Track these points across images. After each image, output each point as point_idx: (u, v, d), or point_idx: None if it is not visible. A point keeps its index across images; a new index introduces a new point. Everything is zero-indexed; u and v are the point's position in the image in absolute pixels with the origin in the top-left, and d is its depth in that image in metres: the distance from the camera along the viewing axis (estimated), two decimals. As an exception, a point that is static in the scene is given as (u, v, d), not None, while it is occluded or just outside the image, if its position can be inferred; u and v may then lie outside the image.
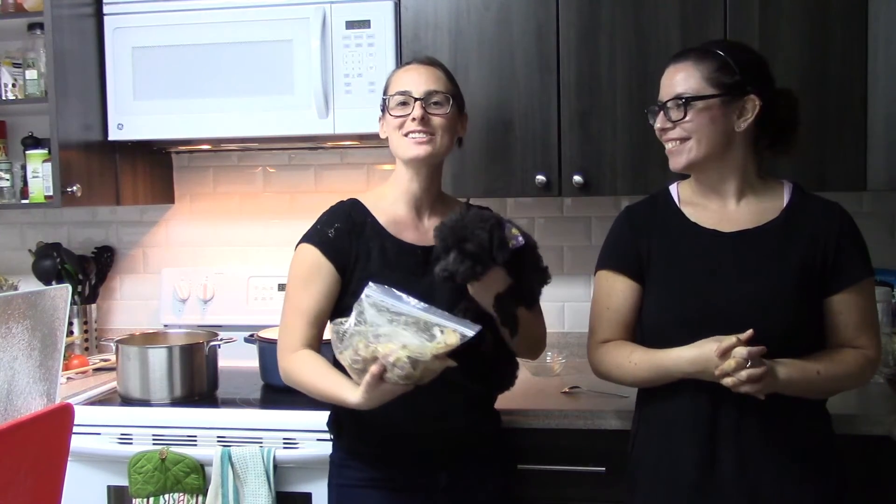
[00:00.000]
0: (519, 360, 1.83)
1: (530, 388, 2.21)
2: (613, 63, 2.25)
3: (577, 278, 2.66)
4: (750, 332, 1.56)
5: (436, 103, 1.77)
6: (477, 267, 1.61)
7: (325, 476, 1.88)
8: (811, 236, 1.68)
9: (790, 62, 2.16)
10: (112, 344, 2.50)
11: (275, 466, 2.05)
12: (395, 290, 1.58)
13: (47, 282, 2.79)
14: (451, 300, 1.69)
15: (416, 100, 1.75)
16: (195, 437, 2.12)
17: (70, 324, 2.72)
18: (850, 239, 1.69)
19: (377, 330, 1.51)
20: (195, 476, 2.08)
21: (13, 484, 1.13)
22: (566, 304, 2.68)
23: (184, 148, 2.80)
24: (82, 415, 2.13)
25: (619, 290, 1.78)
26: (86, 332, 2.85)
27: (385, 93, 1.83)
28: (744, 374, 1.53)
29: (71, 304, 2.67)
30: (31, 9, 2.53)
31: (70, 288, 1.30)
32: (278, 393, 2.25)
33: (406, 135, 1.76)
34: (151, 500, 2.09)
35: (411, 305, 1.56)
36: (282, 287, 2.59)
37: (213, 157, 2.88)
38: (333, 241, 1.76)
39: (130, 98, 2.48)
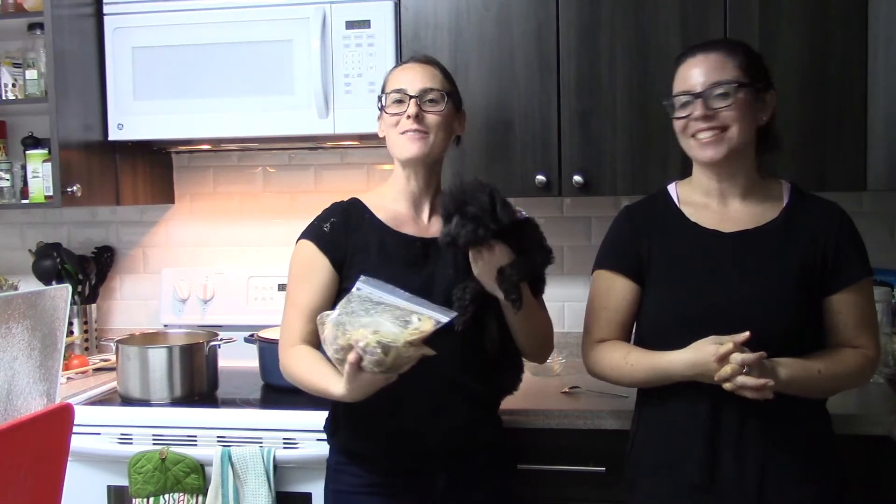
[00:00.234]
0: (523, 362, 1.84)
1: (530, 388, 2.21)
2: (613, 63, 2.25)
3: (577, 278, 2.65)
4: (747, 333, 1.55)
5: (431, 101, 1.77)
6: (479, 230, 1.61)
7: (324, 477, 1.88)
8: (811, 237, 1.68)
9: (790, 62, 2.16)
10: (112, 344, 2.50)
11: (275, 466, 2.05)
12: (386, 283, 1.59)
13: (47, 282, 2.79)
14: (453, 288, 1.70)
15: (411, 97, 1.76)
16: (195, 437, 2.12)
17: (70, 324, 2.72)
18: (849, 239, 1.70)
19: (360, 319, 1.51)
20: (195, 476, 2.08)
21: (13, 484, 1.13)
22: (566, 304, 2.68)
23: (184, 148, 2.80)
24: (82, 415, 2.13)
25: (617, 289, 1.78)
26: (86, 332, 2.85)
27: (382, 91, 1.84)
28: (740, 380, 1.54)
29: (71, 304, 2.67)
30: (31, 9, 2.53)
31: (70, 288, 1.30)
32: (278, 393, 2.25)
33: (402, 133, 1.76)
34: (151, 500, 2.09)
35: (396, 296, 1.56)
36: (282, 287, 2.59)
37: (213, 157, 2.88)
38: (329, 236, 1.77)
39: (130, 98, 2.48)
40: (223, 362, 2.43)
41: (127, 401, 2.30)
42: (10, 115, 2.81)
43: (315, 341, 1.74)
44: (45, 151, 2.56)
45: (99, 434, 2.16)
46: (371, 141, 2.57)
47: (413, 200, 1.83)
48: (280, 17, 2.37)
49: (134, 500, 2.11)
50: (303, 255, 1.78)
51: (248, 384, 2.44)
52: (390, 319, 1.51)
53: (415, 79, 1.78)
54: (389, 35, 2.33)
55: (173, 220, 2.92)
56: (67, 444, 1.26)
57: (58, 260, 2.80)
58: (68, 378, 2.54)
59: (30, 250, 2.88)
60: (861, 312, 1.68)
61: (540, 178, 2.28)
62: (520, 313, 1.67)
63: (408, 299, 1.56)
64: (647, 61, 2.23)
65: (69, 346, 2.76)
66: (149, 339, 2.50)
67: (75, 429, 1.28)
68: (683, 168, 2.10)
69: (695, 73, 1.68)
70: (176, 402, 2.26)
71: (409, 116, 1.75)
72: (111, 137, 2.51)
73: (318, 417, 1.91)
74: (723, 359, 1.55)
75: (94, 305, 2.88)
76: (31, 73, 2.58)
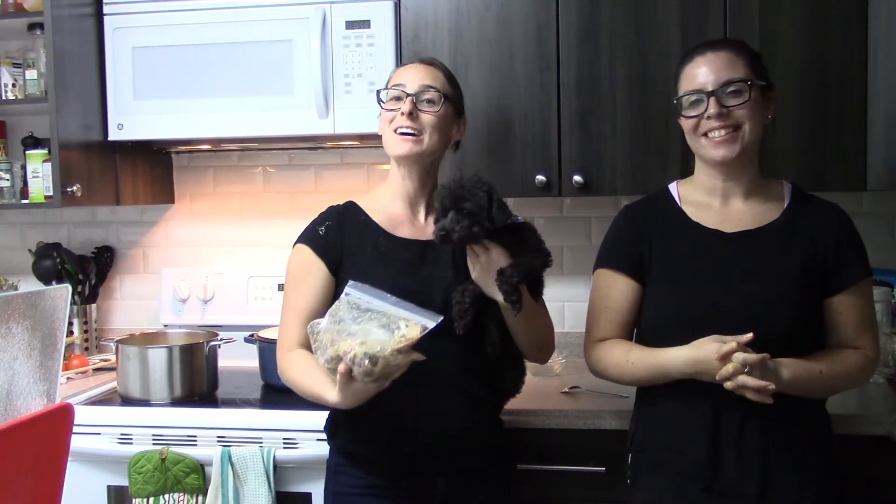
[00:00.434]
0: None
1: (530, 388, 2.20)
2: (613, 63, 2.25)
3: (577, 278, 2.65)
4: (750, 335, 1.55)
5: (428, 101, 1.77)
6: (474, 227, 1.61)
7: (324, 477, 1.88)
8: (811, 237, 1.69)
9: (790, 62, 2.16)
10: (112, 344, 2.50)
11: (275, 466, 2.05)
12: (374, 288, 1.59)
13: (47, 282, 2.79)
14: (451, 289, 1.70)
15: (408, 95, 1.76)
16: (195, 437, 2.12)
17: (70, 324, 2.72)
18: (849, 240, 1.70)
19: (349, 328, 1.51)
20: (195, 476, 2.08)
21: (13, 484, 1.13)
22: (566, 304, 2.68)
23: (184, 148, 2.80)
24: (82, 415, 2.13)
25: (619, 289, 1.78)
26: (86, 332, 2.85)
27: (385, 87, 1.84)
28: (741, 379, 1.54)
29: (71, 304, 2.67)
30: (31, 9, 2.53)
31: (70, 288, 1.30)
32: (278, 393, 2.25)
33: (396, 130, 1.76)
34: (151, 500, 2.09)
35: (385, 301, 1.56)
36: (282, 287, 2.58)
37: (213, 157, 2.88)
38: (324, 240, 1.77)
39: (130, 98, 2.48)
40: (223, 362, 2.43)
41: (127, 401, 2.30)
42: (10, 115, 2.81)
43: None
44: (45, 151, 2.56)
45: (99, 434, 2.16)
46: (371, 141, 2.56)
47: (409, 201, 1.83)
48: (280, 17, 2.37)
49: (134, 500, 2.11)
50: (299, 258, 1.79)
51: (248, 384, 2.44)
52: (378, 326, 1.51)
53: (415, 77, 1.78)
54: (389, 35, 2.33)
55: (173, 220, 2.92)
56: (67, 444, 1.26)
57: (58, 260, 2.80)
58: (68, 378, 2.54)
59: (30, 250, 2.88)
60: (861, 313, 1.69)
61: (540, 178, 2.28)
62: (519, 315, 1.67)
63: (396, 304, 1.56)
64: (647, 61, 2.23)
65: (69, 346, 2.76)
66: (149, 339, 2.50)
67: (75, 429, 1.28)
68: (683, 168, 2.11)
69: (705, 72, 1.67)
70: (176, 402, 2.26)
71: (403, 113, 1.75)
72: (111, 137, 2.51)
73: (318, 417, 1.91)
74: (725, 357, 1.55)
75: (94, 305, 2.88)
76: (31, 73, 2.58)
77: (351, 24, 2.34)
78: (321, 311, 1.74)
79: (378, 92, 1.83)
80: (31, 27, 2.58)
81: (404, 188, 1.82)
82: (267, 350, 2.34)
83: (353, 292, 1.59)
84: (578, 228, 2.68)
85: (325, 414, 1.86)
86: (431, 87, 1.77)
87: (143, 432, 2.14)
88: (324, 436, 1.86)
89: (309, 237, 1.79)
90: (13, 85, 2.60)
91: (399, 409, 1.65)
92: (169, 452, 2.09)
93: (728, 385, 1.56)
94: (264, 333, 2.40)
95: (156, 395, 2.27)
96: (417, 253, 1.77)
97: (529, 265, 1.67)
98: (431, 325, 1.52)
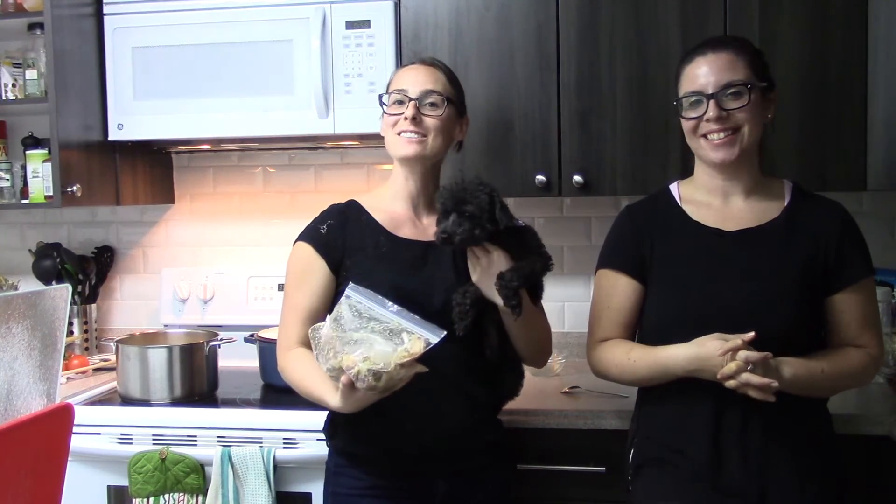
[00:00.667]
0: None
1: (530, 388, 2.20)
2: (613, 63, 2.25)
3: (577, 278, 2.66)
4: (752, 334, 1.56)
5: (431, 104, 1.77)
6: (476, 230, 1.62)
7: (324, 477, 1.88)
8: (812, 236, 1.69)
9: (790, 62, 2.16)
10: (112, 344, 2.49)
11: (275, 466, 2.05)
12: (374, 292, 1.60)
13: (47, 282, 2.79)
14: (451, 290, 1.70)
15: (410, 99, 1.76)
16: (195, 437, 2.12)
17: (70, 324, 2.72)
18: (850, 238, 1.70)
19: (351, 336, 1.52)
20: (195, 476, 2.08)
21: (13, 484, 1.13)
22: (566, 304, 2.68)
23: (184, 148, 2.80)
24: (82, 415, 2.13)
25: (620, 289, 1.78)
26: (86, 332, 2.85)
27: (386, 91, 1.84)
28: (744, 377, 1.54)
29: (71, 304, 2.67)
30: (31, 9, 2.53)
31: (70, 288, 1.30)
32: (278, 393, 2.25)
33: (399, 134, 1.76)
34: (151, 500, 2.09)
35: (386, 308, 1.56)
36: (282, 287, 2.58)
37: (213, 157, 2.88)
38: (325, 238, 1.77)
39: (130, 98, 2.48)
40: (223, 362, 2.42)
41: (127, 401, 2.30)
42: (10, 115, 2.81)
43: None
44: (45, 151, 2.56)
45: (99, 434, 2.16)
46: (371, 141, 2.56)
47: (411, 201, 1.83)
48: (280, 17, 2.37)
49: (134, 500, 2.11)
50: (300, 257, 1.78)
51: (248, 384, 2.44)
52: (381, 336, 1.52)
53: (417, 81, 1.78)
54: (389, 35, 2.33)
55: (173, 220, 2.92)
56: (67, 444, 1.26)
57: (58, 260, 2.80)
58: (68, 378, 2.54)
59: (30, 250, 2.88)
60: (863, 312, 1.69)
61: (540, 178, 2.28)
62: (519, 320, 1.67)
63: (398, 313, 1.56)
64: (647, 61, 2.23)
65: (69, 346, 2.76)
66: (149, 339, 2.50)
67: (75, 429, 1.28)
68: (683, 168, 2.11)
69: (705, 73, 1.67)
70: (176, 402, 2.26)
71: (406, 118, 1.75)
72: (111, 137, 2.51)
73: (318, 417, 1.91)
74: (728, 353, 1.55)
75: (94, 305, 2.88)
76: (31, 73, 2.58)
77: (351, 24, 2.34)
78: (322, 310, 1.74)
79: (381, 96, 1.83)
80: (31, 27, 2.58)
81: (406, 189, 1.82)
82: (267, 350, 2.34)
83: (354, 295, 1.58)
84: (578, 228, 2.68)
85: (324, 414, 1.86)
86: (434, 90, 1.77)
87: (143, 432, 2.14)
88: (324, 436, 1.85)
89: (310, 235, 1.79)
90: (13, 85, 2.60)
91: (399, 409, 1.65)
92: (169, 452, 2.09)
93: (730, 383, 1.56)
94: (264, 333, 2.40)
95: (156, 395, 2.27)
96: (419, 253, 1.76)
97: (530, 270, 1.67)
98: (435, 340, 1.52)
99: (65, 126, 2.42)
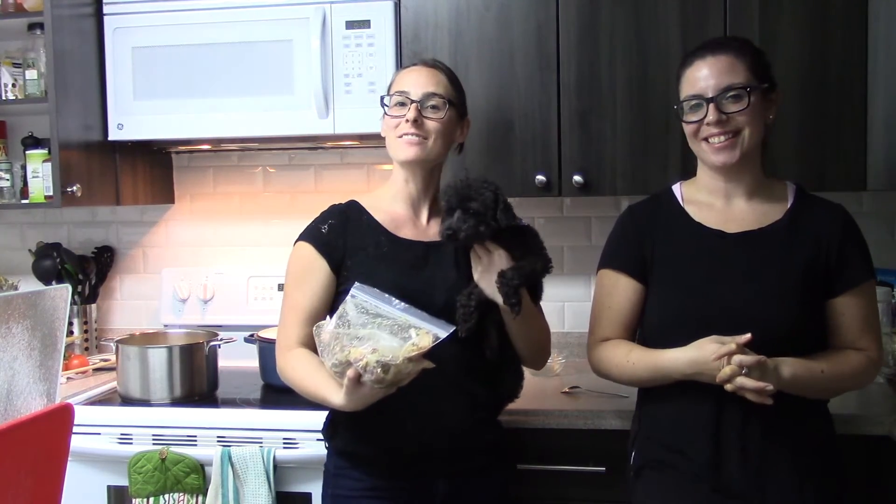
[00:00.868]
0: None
1: (530, 388, 2.20)
2: (613, 63, 2.25)
3: (577, 278, 2.66)
4: (748, 335, 1.56)
5: (433, 107, 1.76)
6: (480, 226, 1.63)
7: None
8: (814, 238, 1.69)
9: (790, 62, 2.16)
10: (112, 344, 2.49)
11: (275, 466, 2.05)
12: (380, 291, 1.59)
13: (47, 282, 2.79)
14: (452, 290, 1.70)
15: (412, 101, 1.75)
16: (195, 437, 2.12)
17: (70, 324, 2.72)
18: (852, 241, 1.70)
19: (357, 332, 1.51)
20: (195, 476, 2.08)
21: (13, 484, 1.13)
22: (566, 304, 2.68)
23: (184, 148, 2.80)
24: (82, 415, 2.13)
25: (621, 289, 1.78)
26: (86, 332, 2.85)
27: (387, 92, 1.83)
28: (739, 381, 1.54)
29: (71, 304, 2.67)
30: (31, 9, 2.53)
31: (70, 288, 1.30)
32: (278, 393, 2.25)
33: (400, 136, 1.76)
34: (151, 500, 2.09)
35: (392, 306, 1.56)
36: (282, 287, 2.58)
37: (213, 157, 2.88)
38: (326, 238, 1.77)
39: (130, 98, 2.48)
40: (223, 362, 2.42)
41: (127, 401, 2.30)
42: (10, 115, 2.81)
43: (312, 344, 1.73)
44: (45, 151, 2.56)
45: (99, 434, 2.16)
46: (371, 141, 2.57)
47: (411, 202, 1.83)
48: (280, 17, 2.37)
49: (134, 500, 2.11)
50: (300, 256, 1.78)
51: (248, 384, 2.44)
52: (388, 333, 1.51)
53: (418, 83, 1.78)
54: (389, 35, 2.33)
55: (173, 220, 2.92)
56: (67, 444, 1.26)
57: (58, 260, 2.80)
58: (68, 378, 2.54)
59: (30, 250, 2.88)
60: (864, 314, 1.69)
61: (540, 178, 2.28)
62: (519, 319, 1.68)
63: (404, 310, 1.56)
64: (647, 61, 2.23)
65: (69, 346, 2.76)
66: (149, 339, 2.50)
67: (75, 429, 1.28)
68: (683, 168, 2.11)
69: (705, 76, 1.67)
70: (176, 402, 2.26)
71: (408, 121, 1.74)
72: (111, 137, 2.51)
73: (318, 417, 1.91)
74: (722, 358, 1.55)
75: (94, 305, 2.88)
76: (31, 73, 2.58)
77: (351, 24, 2.34)
78: (322, 310, 1.74)
79: (382, 97, 1.82)
80: (31, 27, 2.58)
81: (407, 190, 1.82)
82: (267, 350, 2.34)
83: (360, 294, 1.58)
84: (578, 228, 2.68)
85: (324, 414, 1.86)
86: (436, 93, 1.77)
87: (143, 432, 2.14)
88: (322, 435, 1.85)
89: (311, 235, 1.79)
90: (13, 85, 2.60)
91: (400, 409, 1.64)
92: (169, 452, 2.09)
93: (728, 387, 1.56)
94: (264, 333, 2.40)
95: (156, 395, 2.27)
96: (420, 254, 1.77)
97: (531, 269, 1.67)
98: (443, 334, 1.52)
99: (65, 126, 2.42)
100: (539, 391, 2.22)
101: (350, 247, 1.76)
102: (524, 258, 1.68)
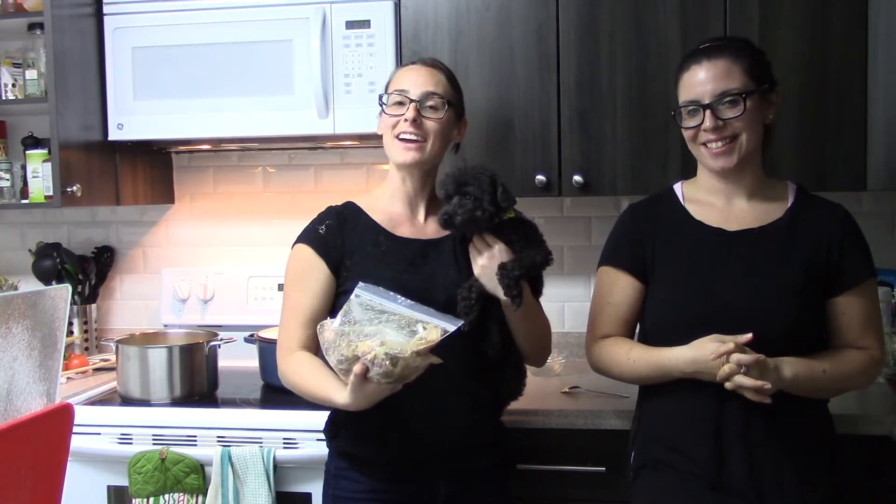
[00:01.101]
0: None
1: (530, 388, 2.19)
2: (613, 63, 2.25)
3: (577, 278, 2.66)
4: (749, 335, 1.56)
5: (431, 107, 1.76)
6: (477, 211, 1.63)
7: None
8: (815, 237, 1.69)
9: (790, 62, 2.16)
10: (112, 344, 2.50)
11: (275, 466, 2.05)
12: (385, 289, 1.59)
13: (47, 282, 2.79)
14: (453, 288, 1.70)
15: (411, 101, 1.75)
16: (195, 437, 2.12)
17: (70, 324, 2.72)
18: (853, 241, 1.70)
19: (363, 329, 1.50)
20: (195, 476, 2.08)
21: (13, 484, 1.13)
22: (566, 304, 2.68)
23: (184, 148, 2.80)
24: (82, 415, 2.13)
25: (621, 286, 1.78)
26: (86, 332, 2.85)
27: (386, 90, 1.83)
28: (737, 379, 1.54)
29: (71, 304, 2.67)
30: (31, 9, 2.53)
31: (70, 288, 1.30)
32: (278, 393, 2.24)
33: (398, 136, 1.76)
34: (151, 500, 2.09)
35: (398, 303, 1.56)
36: (282, 287, 2.59)
37: (213, 157, 2.88)
38: (324, 239, 1.76)
39: (130, 98, 2.48)
40: (223, 362, 2.42)
41: (127, 401, 2.30)
42: (10, 115, 2.81)
43: (313, 347, 1.73)
44: (45, 151, 2.56)
45: (99, 434, 2.16)
46: (371, 141, 2.56)
47: (409, 201, 1.83)
48: (280, 17, 2.37)
49: (134, 500, 2.11)
50: (299, 258, 1.78)
51: (248, 384, 2.44)
52: (395, 328, 1.51)
53: (418, 82, 1.77)
54: (389, 35, 2.33)
55: (173, 220, 2.92)
56: (67, 444, 1.26)
57: (58, 260, 2.80)
58: (68, 378, 2.54)
59: (30, 250, 2.88)
60: (865, 314, 1.69)
61: (540, 178, 2.28)
62: (520, 313, 1.68)
63: (409, 307, 1.56)
64: (647, 61, 2.23)
65: (69, 346, 2.76)
66: (149, 339, 2.50)
67: (75, 429, 1.28)
68: (683, 168, 2.11)
69: (701, 82, 1.67)
70: (176, 402, 2.26)
71: (406, 120, 1.74)
72: (111, 137, 2.51)
73: (318, 417, 1.91)
74: (721, 357, 1.55)
75: (94, 305, 2.88)
76: (31, 73, 2.59)
77: (351, 24, 2.34)
78: (323, 311, 1.74)
79: (380, 96, 1.82)
80: (31, 27, 2.58)
81: (404, 189, 1.82)
82: (267, 350, 2.34)
83: (364, 293, 1.57)
84: (578, 228, 2.68)
85: (325, 414, 1.86)
86: (435, 93, 1.76)
87: (143, 432, 2.14)
88: (324, 437, 1.85)
89: (309, 236, 1.78)
90: (13, 85, 2.60)
91: (401, 410, 1.64)
92: (169, 452, 2.09)
93: (727, 385, 1.56)
94: (264, 333, 2.40)
95: (156, 395, 2.27)
96: (418, 252, 1.76)
97: (531, 261, 1.67)
98: (452, 328, 1.52)
99: (65, 126, 2.42)
100: (539, 391, 2.22)
101: (348, 247, 1.76)
102: (524, 251, 1.68)
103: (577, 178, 2.26)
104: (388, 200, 1.83)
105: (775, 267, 1.67)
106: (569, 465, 2.02)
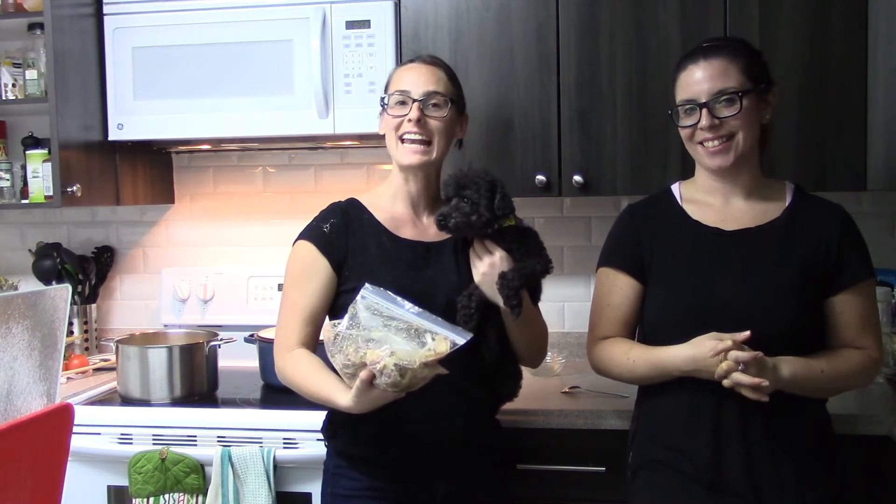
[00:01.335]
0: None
1: (530, 388, 2.20)
2: (613, 63, 2.25)
3: (577, 278, 2.66)
4: (747, 333, 1.56)
5: (434, 105, 1.75)
6: (473, 215, 1.62)
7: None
8: (813, 237, 1.69)
9: (790, 62, 2.16)
10: (112, 344, 2.50)
11: (275, 466, 2.05)
12: (391, 293, 1.58)
13: (47, 282, 2.79)
14: (454, 293, 1.69)
15: (414, 101, 1.74)
16: (195, 437, 2.12)
17: (70, 324, 2.72)
18: (851, 240, 1.70)
19: (369, 334, 1.50)
20: (195, 476, 2.08)
21: (13, 484, 1.13)
22: (566, 304, 2.68)
23: (184, 148, 2.80)
24: (82, 415, 2.13)
25: (620, 287, 1.78)
26: (86, 332, 2.85)
27: (386, 90, 1.82)
28: (735, 377, 1.55)
29: (71, 304, 2.67)
30: (31, 9, 2.53)
31: (70, 288, 1.30)
32: (278, 393, 2.25)
33: (402, 137, 1.75)
34: (151, 500, 2.09)
35: (405, 310, 1.55)
36: (282, 287, 2.59)
37: (213, 157, 2.88)
38: (328, 237, 1.75)
39: (130, 98, 2.48)
40: (223, 362, 2.42)
41: (127, 401, 2.30)
42: (10, 115, 2.81)
43: (312, 344, 1.73)
44: (45, 151, 2.56)
45: (99, 434, 2.16)
46: (371, 141, 2.57)
47: (412, 202, 1.82)
48: (280, 17, 2.37)
49: (134, 500, 2.11)
50: (301, 255, 1.77)
51: (248, 384, 2.44)
52: (403, 337, 1.50)
53: (419, 81, 1.76)
54: (389, 35, 2.33)
55: (173, 220, 2.92)
56: (67, 444, 1.26)
57: (58, 260, 2.80)
58: (68, 378, 2.54)
59: (30, 250, 2.88)
60: (863, 313, 1.69)
61: (540, 178, 2.28)
62: (519, 320, 1.67)
63: (417, 314, 1.55)
64: (647, 61, 2.23)
65: (69, 346, 2.76)
66: (149, 339, 2.50)
67: (75, 429, 1.28)
68: (683, 168, 2.11)
69: (698, 81, 1.67)
70: (176, 402, 2.26)
71: (410, 120, 1.73)
72: (111, 137, 2.51)
73: (318, 417, 1.90)
74: (719, 354, 1.55)
75: (94, 305, 2.88)
76: (31, 73, 2.59)
77: (351, 24, 2.34)
78: (323, 310, 1.74)
79: (382, 98, 1.81)
80: (31, 27, 2.58)
81: (407, 190, 1.81)
82: (267, 350, 2.34)
83: (370, 296, 1.56)
84: (578, 228, 2.68)
85: (324, 414, 1.86)
86: (437, 91, 1.76)
87: (143, 432, 2.14)
88: (322, 435, 1.85)
89: (313, 234, 1.77)
90: (13, 85, 2.60)
91: (399, 410, 1.64)
92: (169, 452, 2.09)
93: (725, 383, 1.56)
94: (264, 333, 2.40)
95: (156, 395, 2.27)
96: (420, 254, 1.76)
97: (531, 271, 1.67)
98: (461, 341, 1.51)
99: (65, 126, 2.42)
100: (539, 391, 2.22)
101: (352, 247, 1.75)
102: (524, 259, 1.68)
103: (577, 178, 2.26)
104: (391, 200, 1.83)
105: (773, 266, 1.67)
106: (569, 465, 2.02)
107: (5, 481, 1.12)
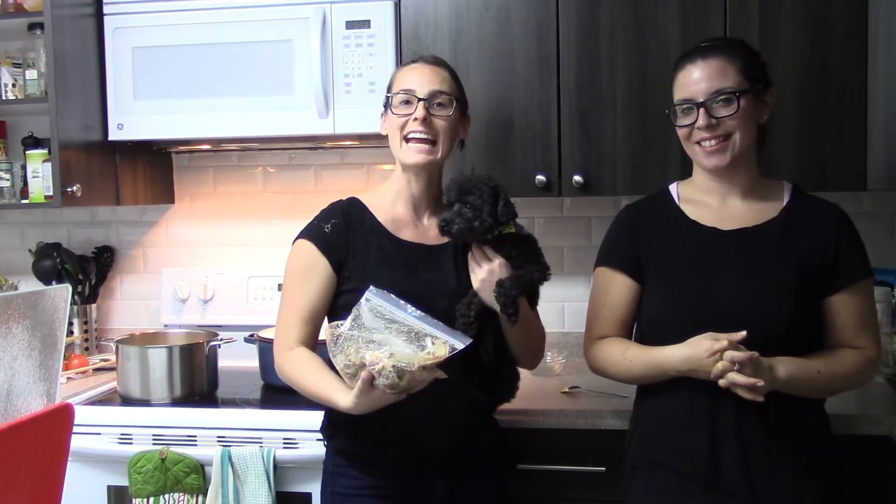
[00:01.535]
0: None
1: (530, 388, 2.21)
2: (613, 63, 2.25)
3: (576, 278, 2.65)
4: (743, 333, 1.56)
5: (440, 104, 1.75)
6: (475, 221, 1.62)
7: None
8: (810, 236, 1.69)
9: (790, 62, 2.16)
10: (112, 344, 2.50)
11: (275, 466, 2.05)
12: (394, 296, 1.58)
13: (47, 282, 2.79)
14: (453, 297, 1.69)
15: (419, 100, 1.74)
16: (195, 437, 2.12)
17: (70, 324, 2.72)
18: (848, 240, 1.70)
19: (371, 336, 1.51)
20: (195, 476, 2.08)
21: (13, 484, 1.13)
22: (566, 304, 2.68)
23: (184, 148, 2.80)
24: (82, 415, 2.13)
25: (617, 287, 1.79)
26: (86, 332, 2.85)
27: (389, 90, 1.82)
28: (731, 377, 1.55)
29: (71, 304, 2.67)
30: (31, 9, 2.53)
31: (70, 288, 1.30)
32: (278, 393, 2.25)
33: (407, 136, 1.75)
34: (151, 500, 2.09)
35: (408, 313, 1.56)
36: (282, 286, 2.59)
37: (213, 157, 2.88)
38: (329, 237, 1.75)
39: (130, 98, 2.48)
40: (223, 362, 2.43)
41: (127, 401, 2.30)
42: (10, 115, 2.81)
43: (312, 343, 1.73)
44: (45, 151, 2.56)
45: (99, 434, 2.16)
46: (371, 141, 2.57)
47: (413, 203, 1.82)
48: (280, 17, 2.37)
49: (134, 500, 2.11)
50: (302, 255, 1.77)
51: (248, 384, 2.44)
52: (404, 340, 1.51)
53: (424, 80, 1.76)
54: (389, 35, 2.33)
55: (173, 220, 2.92)
56: (67, 444, 1.26)
57: (58, 260, 2.80)
58: (68, 378, 2.54)
59: (30, 250, 2.88)
60: (861, 313, 1.69)
61: (540, 177, 2.28)
62: (516, 326, 1.68)
63: (419, 318, 1.56)
64: (647, 61, 2.23)
65: (69, 346, 2.76)
66: (149, 339, 2.50)
67: (75, 429, 1.28)
68: (683, 168, 2.11)
69: (695, 81, 1.68)
70: (176, 402, 2.26)
71: (416, 119, 1.73)
72: (111, 137, 2.51)
73: (318, 417, 1.90)
74: (715, 355, 1.56)
75: (94, 305, 2.88)
76: (31, 73, 2.59)
77: (351, 24, 2.34)
78: (323, 310, 1.74)
79: (387, 98, 1.81)
80: (31, 27, 2.58)
81: (409, 191, 1.81)
82: (267, 350, 2.34)
83: (374, 298, 1.57)
84: (578, 228, 2.68)
85: (324, 414, 1.86)
86: (442, 91, 1.75)
87: (143, 432, 2.14)
88: (321, 435, 1.85)
89: (314, 233, 1.77)
90: (13, 85, 2.60)
91: (399, 411, 1.64)
92: (169, 452, 2.09)
93: (721, 383, 1.57)
94: (264, 333, 2.40)
95: (156, 395, 2.27)
96: (420, 257, 1.76)
97: (529, 279, 1.68)
98: (460, 346, 1.52)
99: (65, 126, 2.42)
100: (539, 391, 2.22)
101: (352, 247, 1.75)
102: (522, 266, 1.68)
103: (577, 178, 2.26)
104: (392, 201, 1.82)
105: (771, 266, 1.67)
106: (568, 465, 2.02)
107: (5, 481, 1.12)
